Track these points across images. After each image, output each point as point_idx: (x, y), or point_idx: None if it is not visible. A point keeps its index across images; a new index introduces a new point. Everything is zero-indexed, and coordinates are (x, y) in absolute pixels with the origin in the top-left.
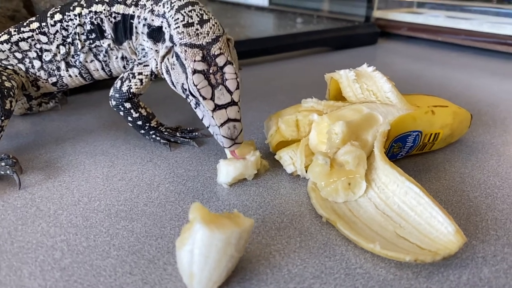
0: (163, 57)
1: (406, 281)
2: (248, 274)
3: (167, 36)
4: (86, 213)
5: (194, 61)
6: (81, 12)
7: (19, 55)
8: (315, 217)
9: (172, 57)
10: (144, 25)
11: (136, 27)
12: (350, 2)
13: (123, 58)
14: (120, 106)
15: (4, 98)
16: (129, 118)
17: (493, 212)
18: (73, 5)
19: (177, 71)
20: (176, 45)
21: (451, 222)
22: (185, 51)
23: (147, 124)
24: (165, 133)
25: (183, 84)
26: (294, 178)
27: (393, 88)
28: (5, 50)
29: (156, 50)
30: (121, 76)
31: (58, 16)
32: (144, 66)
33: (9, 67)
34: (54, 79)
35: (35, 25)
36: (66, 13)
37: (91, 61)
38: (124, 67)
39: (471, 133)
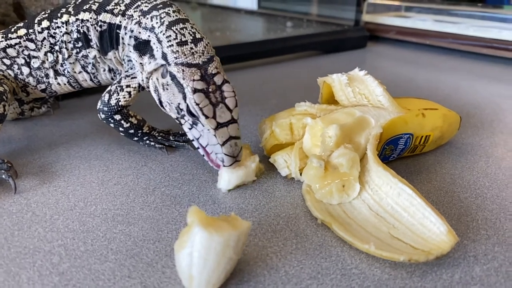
0: (150, 73)
1: (401, 280)
2: (246, 276)
3: (157, 53)
4: (83, 218)
5: (193, 80)
6: (68, 20)
7: (7, 61)
8: (310, 219)
9: (164, 77)
10: (130, 36)
11: (122, 38)
12: (339, 6)
13: (110, 70)
14: (109, 119)
15: None
16: (120, 129)
17: (483, 212)
18: (61, 11)
19: (171, 91)
20: (170, 65)
21: (443, 222)
22: (183, 70)
23: (139, 131)
24: (159, 137)
25: (179, 104)
26: (289, 181)
27: (384, 91)
28: None
29: (140, 63)
30: (108, 89)
31: (45, 23)
32: (132, 78)
33: None
34: (43, 86)
35: (22, 31)
36: (54, 20)
37: (79, 72)
38: (112, 78)
39: (460, 135)
